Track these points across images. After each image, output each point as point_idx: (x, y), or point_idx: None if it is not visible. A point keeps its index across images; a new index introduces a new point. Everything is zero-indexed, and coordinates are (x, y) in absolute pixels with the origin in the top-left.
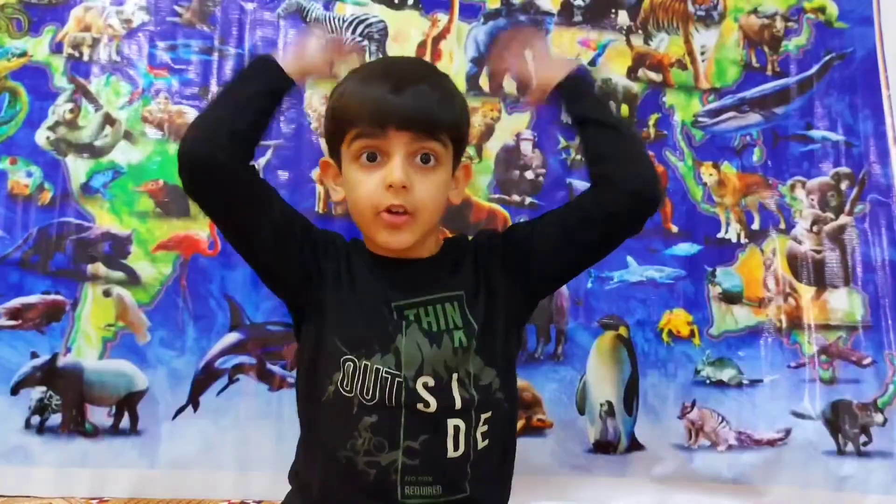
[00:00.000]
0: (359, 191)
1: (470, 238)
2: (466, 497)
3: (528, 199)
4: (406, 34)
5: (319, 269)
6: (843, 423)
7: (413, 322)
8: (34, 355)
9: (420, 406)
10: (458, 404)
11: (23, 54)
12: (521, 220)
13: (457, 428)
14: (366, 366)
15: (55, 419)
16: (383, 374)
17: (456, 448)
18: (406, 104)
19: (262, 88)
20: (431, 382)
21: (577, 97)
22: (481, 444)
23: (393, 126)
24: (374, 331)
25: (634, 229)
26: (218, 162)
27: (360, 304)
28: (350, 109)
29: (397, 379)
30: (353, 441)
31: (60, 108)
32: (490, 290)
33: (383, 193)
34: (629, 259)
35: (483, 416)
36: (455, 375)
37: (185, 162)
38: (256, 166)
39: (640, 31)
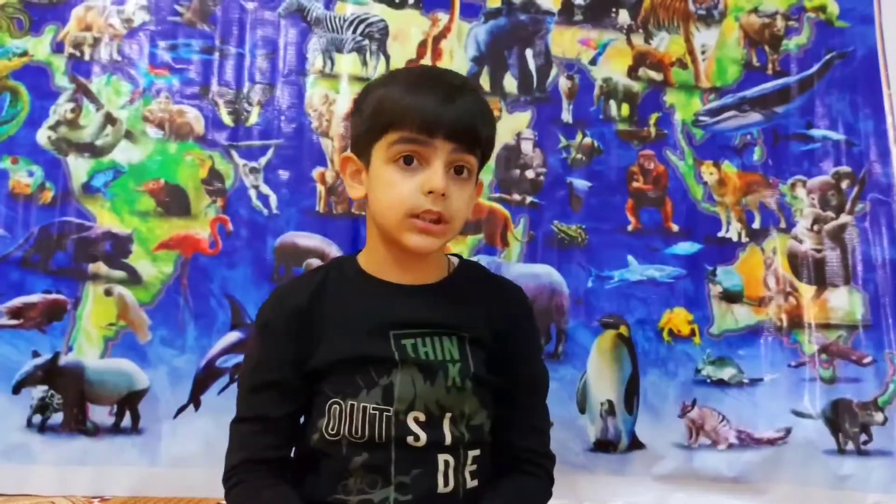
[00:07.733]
0: (393, 192)
1: (492, 275)
2: None
3: (529, 198)
4: (406, 33)
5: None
6: (844, 421)
7: (410, 355)
8: (35, 354)
9: (410, 440)
10: (448, 440)
11: (24, 54)
12: (538, 358)
13: (447, 463)
14: (352, 406)
15: (56, 418)
16: (370, 411)
17: (446, 484)
18: (456, 115)
19: None
20: (423, 418)
21: None
22: (470, 483)
23: (441, 135)
24: (357, 369)
25: None
26: None
27: (345, 344)
28: (397, 112)
29: (385, 413)
30: (345, 482)
31: (61, 108)
32: (496, 341)
33: (421, 198)
34: (630, 258)
35: (471, 454)
36: (449, 415)
37: None
38: None
39: (640, 30)
